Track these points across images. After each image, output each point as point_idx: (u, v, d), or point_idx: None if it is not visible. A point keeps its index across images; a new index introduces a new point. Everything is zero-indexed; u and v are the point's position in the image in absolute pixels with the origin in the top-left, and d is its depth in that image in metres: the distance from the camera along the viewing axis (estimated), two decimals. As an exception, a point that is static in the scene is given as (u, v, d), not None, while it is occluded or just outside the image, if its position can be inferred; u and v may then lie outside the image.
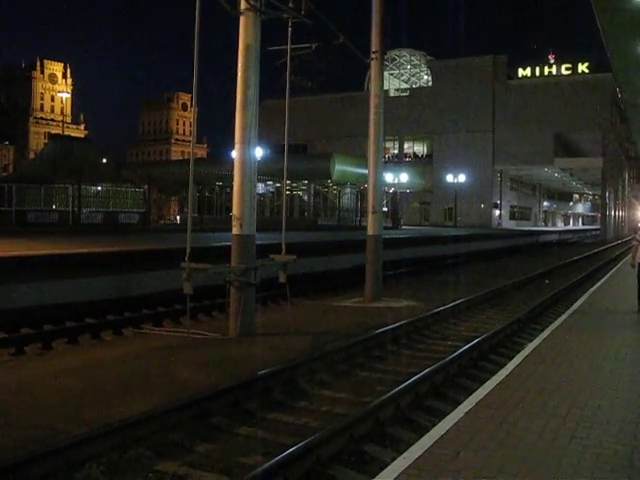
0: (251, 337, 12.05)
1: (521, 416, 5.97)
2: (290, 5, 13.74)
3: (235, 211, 12.44)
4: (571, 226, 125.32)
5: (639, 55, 21.57)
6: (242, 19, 12.44)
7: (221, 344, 11.57)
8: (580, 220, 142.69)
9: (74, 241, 21.17)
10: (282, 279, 13.74)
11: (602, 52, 26.02)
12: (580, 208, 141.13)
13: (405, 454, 5.01)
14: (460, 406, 6.40)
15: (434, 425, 5.95)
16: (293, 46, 15.98)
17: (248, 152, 12.43)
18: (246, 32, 12.43)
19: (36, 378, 9.03)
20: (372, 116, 18.06)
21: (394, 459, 5.15)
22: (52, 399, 7.86)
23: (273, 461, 5.50)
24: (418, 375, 8.49)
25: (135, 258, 17.34)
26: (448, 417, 6.04)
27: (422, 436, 5.50)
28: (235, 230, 12.39)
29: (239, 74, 12.43)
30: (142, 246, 19.71)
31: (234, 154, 12.85)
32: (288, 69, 14.80)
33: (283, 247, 13.96)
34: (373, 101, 18.12)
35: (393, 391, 7.72)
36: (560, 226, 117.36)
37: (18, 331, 12.63)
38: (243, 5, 12.29)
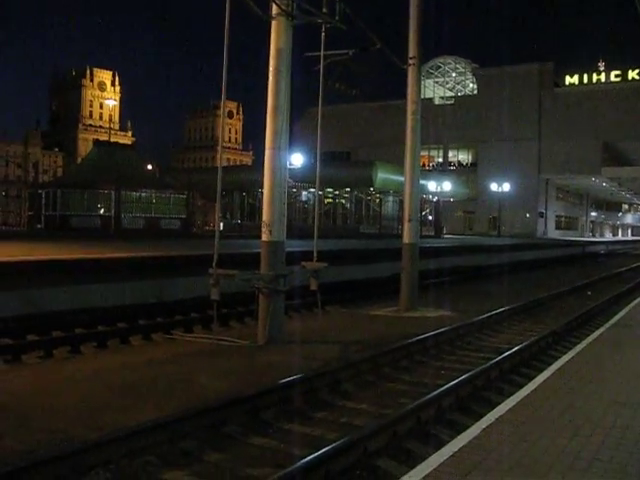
0: (279, 345, 11.90)
1: (542, 434, 5.68)
2: (324, 10, 13.62)
3: (265, 217, 12.33)
4: (620, 237, 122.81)
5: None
6: (273, 24, 12.36)
7: (248, 351, 11.46)
8: (629, 231, 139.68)
9: (111, 245, 21.38)
10: (313, 286, 13.63)
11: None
12: (629, 219, 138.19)
13: (412, 472, 4.79)
14: (479, 421, 6.14)
15: (449, 441, 5.70)
16: (329, 52, 15.91)
17: (279, 158, 12.32)
18: (277, 37, 12.33)
19: (58, 382, 9.04)
20: (409, 123, 17.85)
21: (404, 474, 4.94)
22: (70, 403, 7.83)
23: (278, 475, 5.33)
24: (443, 388, 8.24)
25: (170, 263, 17.40)
26: (465, 433, 5.79)
27: (433, 454, 5.26)
28: (264, 237, 12.28)
29: (270, 79, 12.34)
30: (177, 252, 19.79)
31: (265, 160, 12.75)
32: (321, 75, 14.70)
33: (315, 254, 13.85)
34: (410, 108, 17.90)
35: (414, 404, 7.49)
36: (608, 237, 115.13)
37: (49, 334, 12.69)
38: (275, 10, 12.20)
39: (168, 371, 9.76)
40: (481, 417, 6.51)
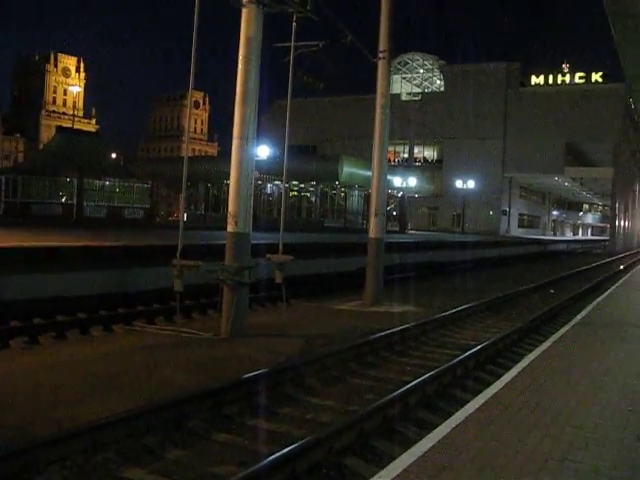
0: (242, 338, 11.73)
1: (512, 434, 5.58)
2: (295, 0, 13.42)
3: (230, 208, 12.12)
4: (580, 236, 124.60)
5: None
6: (244, 11, 12.13)
7: (210, 344, 11.26)
8: (589, 230, 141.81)
9: (72, 234, 20.93)
10: (278, 280, 13.45)
11: (616, 62, 25.62)
12: (590, 218, 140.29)
13: (382, 472, 4.65)
14: (448, 420, 6.03)
15: (419, 440, 5.57)
16: (299, 43, 15.70)
17: (246, 148, 12.11)
18: (248, 25, 12.11)
19: (14, 374, 8.75)
20: (378, 116, 17.74)
21: (373, 474, 4.80)
22: (26, 396, 7.57)
23: (243, 474, 5.15)
24: (409, 384, 8.12)
25: (132, 253, 17.06)
26: (435, 431, 5.67)
27: (402, 453, 5.13)
28: (230, 227, 12.06)
29: (239, 67, 12.13)
30: (140, 242, 19.45)
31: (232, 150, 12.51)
32: (291, 65, 14.49)
33: (280, 247, 13.66)
34: (379, 101, 17.79)
35: (381, 401, 7.36)
36: (569, 236, 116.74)
37: (6, 324, 12.31)
38: (245, -3, 11.96)
39: (129, 363, 9.51)
40: (449, 415, 6.42)
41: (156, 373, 8.92)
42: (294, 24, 14.04)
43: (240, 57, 12.19)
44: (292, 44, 14.51)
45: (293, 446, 5.78)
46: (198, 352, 10.50)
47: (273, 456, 5.54)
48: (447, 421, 5.99)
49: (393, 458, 5.15)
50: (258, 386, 8.03)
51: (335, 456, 6.03)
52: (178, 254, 11.22)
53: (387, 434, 6.84)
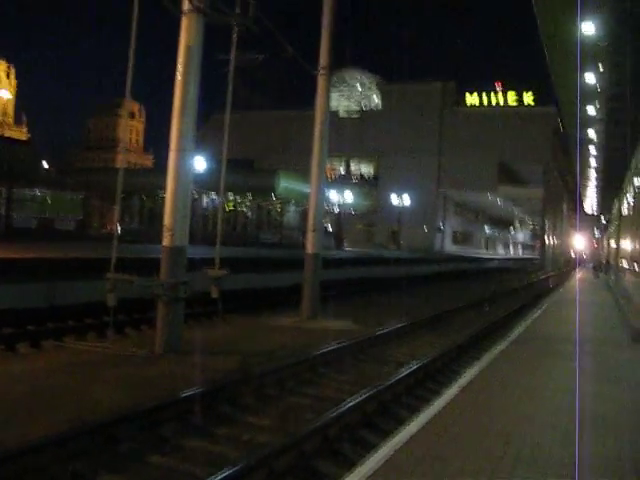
0: (177, 355, 11.39)
1: (453, 456, 5.47)
2: (237, 10, 13.26)
3: (167, 221, 11.80)
4: (511, 253, 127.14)
5: (580, 87, 21.65)
6: (184, 20, 11.90)
7: (144, 361, 10.90)
8: (520, 247, 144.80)
9: None
10: (214, 294, 13.18)
11: (548, 82, 26.22)
12: (520, 236, 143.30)
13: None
14: (391, 441, 5.89)
15: (359, 461, 5.41)
16: (240, 57, 15.52)
17: (184, 160, 11.84)
18: (188, 34, 11.88)
19: None
20: (317, 132, 17.69)
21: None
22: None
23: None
24: (349, 404, 7.96)
25: (63, 266, 16.50)
26: (377, 454, 5.52)
27: (344, 475, 4.96)
28: (166, 241, 11.74)
29: (178, 77, 11.86)
30: (71, 254, 18.86)
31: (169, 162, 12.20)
32: (230, 78, 14.26)
33: (217, 261, 13.40)
34: (319, 117, 17.75)
35: (320, 422, 7.18)
36: (501, 252, 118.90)
37: None
38: (186, 5, 11.75)
39: (57, 382, 9.10)
40: (390, 435, 6.28)
41: (84, 393, 8.53)
42: (234, 36, 13.86)
43: (179, 67, 11.94)
44: (232, 56, 14.31)
45: (230, 469, 5.55)
46: (130, 370, 10.13)
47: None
48: (390, 442, 5.85)
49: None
50: (193, 405, 7.76)
51: (275, 479, 5.83)
52: (112, 268, 10.84)
53: (329, 455, 6.67)
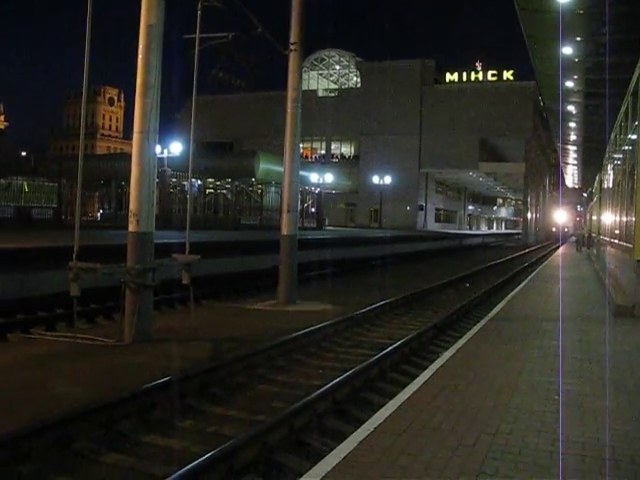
0: (147, 343, 11.06)
1: (424, 445, 5.19)
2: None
3: (132, 206, 11.44)
4: (494, 230, 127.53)
5: (560, 58, 21.30)
6: (144, -2, 11.44)
7: (112, 351, 10.56)
8: (503, 224, 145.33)
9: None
10: (185, 280, 12.82)
11: (527, 61, 25.86)
12: (503, 212, 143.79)
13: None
14: (357, 431, 5.60)
15: (324, 455, 5.12)
16: (206, 35, 15.09)
17: (147, 142, 11.44)
18: (148, 12, 11.44)
19: None
20: (289, 110, 17.31)
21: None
22: None
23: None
24: (319, 391, 7.67)
25: (34, 255, 16.11)
26: (342, 445, 5.23)
27: (308, 470, 4.68)
28: (131, 227, 11.37)
29: (139, 57, 11.45)
30: (43, 243, 18.45)
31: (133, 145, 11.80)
32: (196, 58, 13.83)
33: (187, 246, 13.04)
34: (290, 95, 17.36)
35: (287, 410, 6.88)
36: (484, 229, 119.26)
37: None
38: (144, -18, 11.28)
39: (20, 376, 8.75)
40: (360, 424, 5.99)
41: (46, 387, 8.18)
42: (199, 12, 13.43)
43: (140, 47, 11.52)
44: (197, 35, 13.88)
45: (188, 466, 5.24)
46: (96, 361, 9.79)
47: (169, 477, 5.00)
48: (355, 433, 5.56)
49: (299, 475, 4.72)
50: (156, 398, 7.44)
51: (236, 475, 5.52)
52: (74, 256, 10.45)
53: (294, 447, 6.37)
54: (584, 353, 9.33)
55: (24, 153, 67.57)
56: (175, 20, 13.37)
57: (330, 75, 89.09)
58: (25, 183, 43.28)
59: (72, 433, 6.26)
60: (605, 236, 26.62)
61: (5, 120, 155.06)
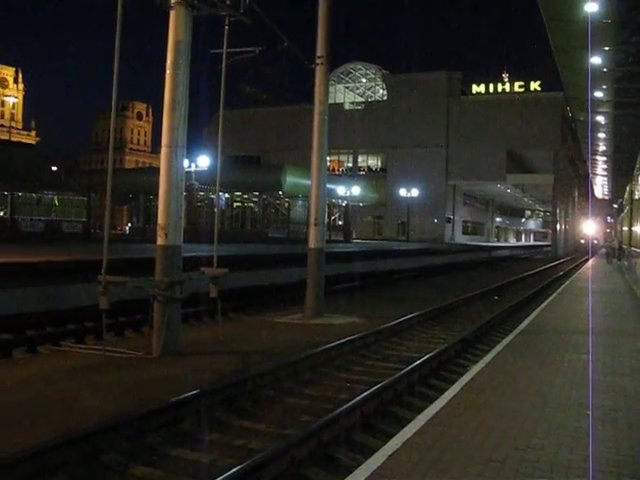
0: (175, 356, 11.11)
1: (453, 460, 5.14)
2: (227, 2, 12.89)
3: (160, 220, 11.51)
4: (523, 242, 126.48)
5: (589, 68, 21.18)
6: (172, 14, 11.59)
7: (140, 364, 10.61)
8: (532, 236, 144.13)
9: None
10: (213, 294, 12.87)
11: (554, 72, 25.74)
12: (532, 224, 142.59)
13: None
14: (385, 445, 5.56)
15: (354, 469, 5.08)
16: (234, 49, 15.17)
17: (175, 156, 11.53)
18: (176, 28, 11.56)
19: None
20: (316, 123, 17.34)
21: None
22: None
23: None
24: (347, 405, 7.63)
25: (64, 268, 16.29)
26: (370, 460, 5.18)
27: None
28: (160, 240, 11.44)
29: (167, 72, 11.57)
30: (74, 256, 18.67)
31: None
32: (223, 72, 13.89)
33: (215, 259, 13.08)
34: (317, 108, 17.40)
35: (315, 424, 6.86)
36: (512, 242, 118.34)
37: None
38: (173, -1, 11.41)
39: (50, 389, 8.82)
40: (389, 438, 5.95)
41: (77, 399, 8.25)
42: (226, 28, 13.51)
43: (168, 62, 11.65)
44: (224, 49, 13.96)
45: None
46: (124, 373, 9.85)
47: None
48: (384, 447, 5.51)
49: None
50: (184, 411, 7.45)
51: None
52: (103, 270, 10.55)
53: (322, 461, 6.34)
54: (616, 367, 9.19)
55: (54, 168, 68.33)
56: (202, 35, 13.46)
57: (357, 88, 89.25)
58: (55, 197, 43.87)
59: (100, 446, 6.28)
60: (637, 247, 26.26)
61: (37, 135, 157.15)
